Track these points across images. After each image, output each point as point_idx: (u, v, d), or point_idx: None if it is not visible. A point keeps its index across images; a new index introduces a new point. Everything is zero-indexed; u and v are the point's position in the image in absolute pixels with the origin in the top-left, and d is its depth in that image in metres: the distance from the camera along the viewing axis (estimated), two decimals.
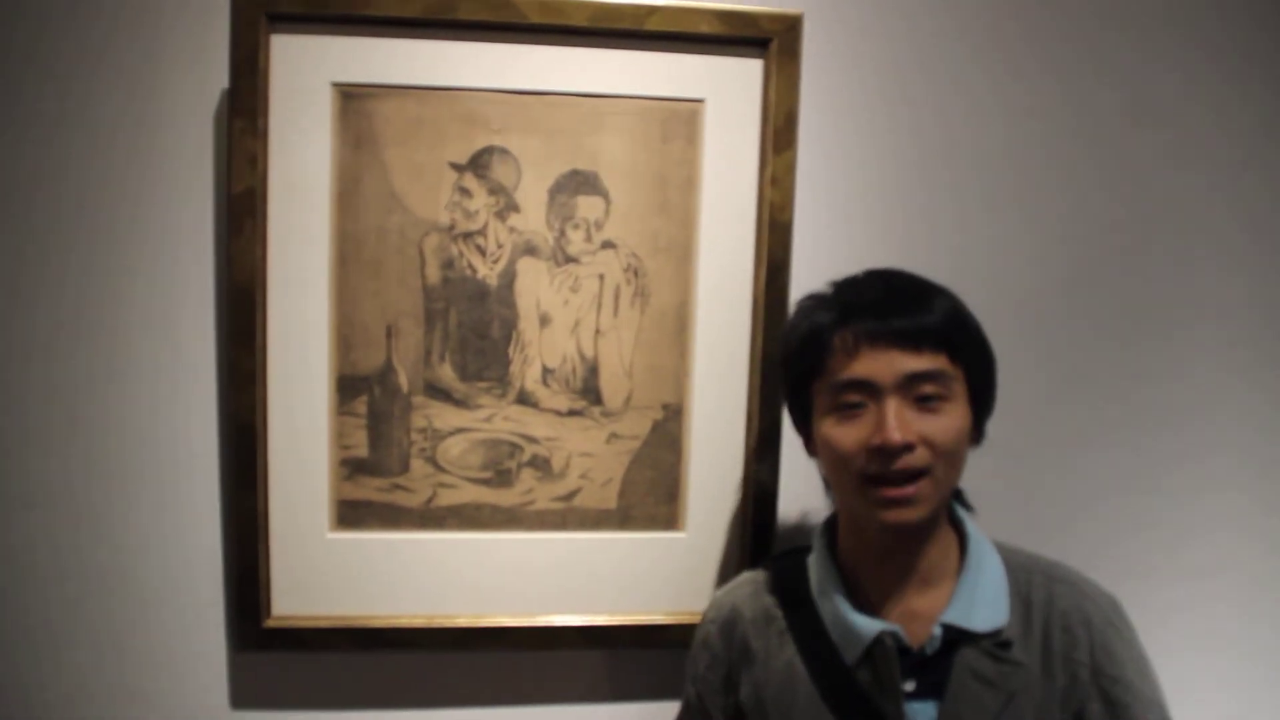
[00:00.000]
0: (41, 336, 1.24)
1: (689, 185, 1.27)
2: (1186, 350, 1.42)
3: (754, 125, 1.27)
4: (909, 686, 1.00)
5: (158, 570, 1.28)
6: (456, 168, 1.24)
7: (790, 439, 1.29)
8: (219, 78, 1.22)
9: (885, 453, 0.97)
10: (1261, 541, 1.46)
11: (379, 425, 1.26)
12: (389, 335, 1.26)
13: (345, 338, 1.25)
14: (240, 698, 1.31)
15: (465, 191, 1.24)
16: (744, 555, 1.31)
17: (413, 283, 1.25)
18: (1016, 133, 1.35)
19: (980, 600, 1.02)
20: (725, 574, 1.32)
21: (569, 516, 1.30)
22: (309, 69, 1.21)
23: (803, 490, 1.32)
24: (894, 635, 1.01)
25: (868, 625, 1.02)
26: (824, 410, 1.03)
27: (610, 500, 1.31)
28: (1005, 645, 1.01)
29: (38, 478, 1.25)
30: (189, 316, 1.26)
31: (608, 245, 1.27)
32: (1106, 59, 1.36)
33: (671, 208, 1.27)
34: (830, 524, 1.14)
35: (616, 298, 1.28)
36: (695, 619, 1.24)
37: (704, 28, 1.23)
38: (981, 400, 1.04)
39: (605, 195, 1.26)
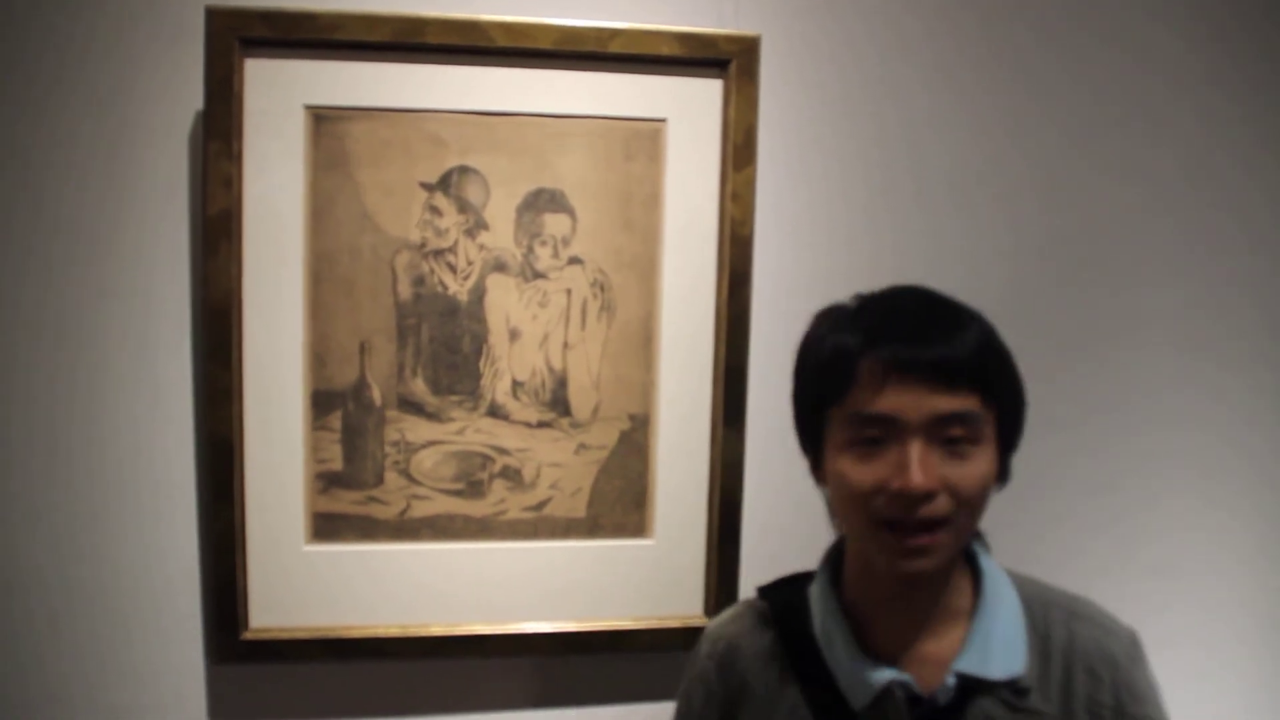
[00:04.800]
0: (19, 356, 1.26)
1: (652, 202, 1.31)
2: (1137, 354, 1.47)
3: (714, 143, 1.31)
4: None
5: (136, 584, 1.30)
6: (427, 187, 1.27)
7: (754, 446, 1.33)
8: (194, 99, 1.24)
9: (905, 498, 0.87)
10: (1213, 543, 1.51)
11: (353, 439, 1.29)
12: (362, 351, 1.28)
13: (319, 354, 1.28)
14: (219, 710, 1.33)
15: (435, 210, 1.28)
16: (711, 560, 1.34)
17: (385, 300, 1.28)
18: (968, 146, 1.40)
19: (996, 645, 0.94)
20: (693, 580, 1.35)
21: (540, 526, 1.33)
22: (282, 92, 1.24)
23: (767, 497, 1.35)
24: (904, 685, 0.93)
25: (876, 675, 0.94)
26: (840, 441, 0.92)
27: (580, 509, 1.33)
28: (1023, 693, 0.93)
29: (15, 494, 1.27)
30: (166, 335, 1.28)
31: (574, 261, 1.30)
32: (1065, 72, 1.42)
33: (636, 224, 1.31)
34: (834, 556, 1.04)
35: (584, 312, 1.31)
36: (664, 624, 1.27)
37: (665, 50, 1.27)
38: (1009, 440, 0.94)
39: (571, 212, 1.30)
